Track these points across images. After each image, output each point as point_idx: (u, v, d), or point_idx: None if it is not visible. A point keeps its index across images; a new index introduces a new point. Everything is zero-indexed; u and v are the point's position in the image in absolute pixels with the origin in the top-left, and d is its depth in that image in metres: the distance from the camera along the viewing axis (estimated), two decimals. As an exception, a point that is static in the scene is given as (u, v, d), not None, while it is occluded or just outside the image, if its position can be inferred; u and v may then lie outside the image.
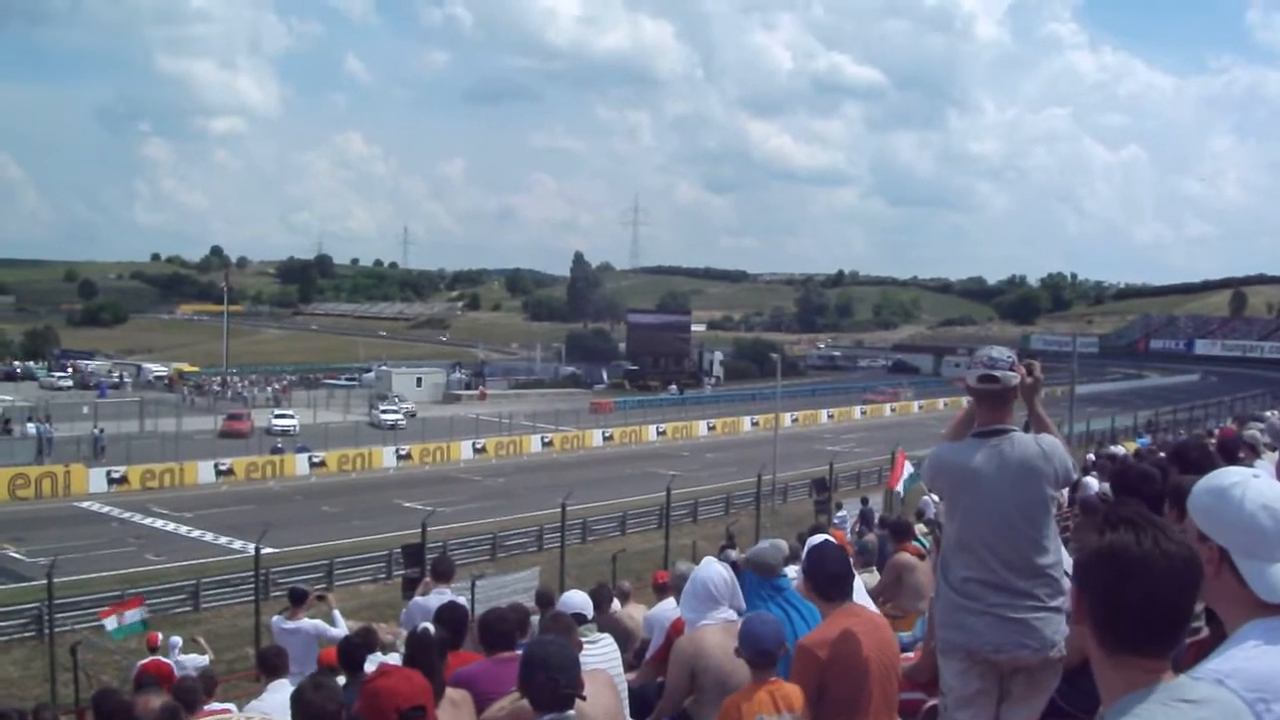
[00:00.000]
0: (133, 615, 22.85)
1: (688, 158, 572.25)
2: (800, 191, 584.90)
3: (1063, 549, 5.27)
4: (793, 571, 7.91)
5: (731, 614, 6.39)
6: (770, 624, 6.02)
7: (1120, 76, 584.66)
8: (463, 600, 13.19)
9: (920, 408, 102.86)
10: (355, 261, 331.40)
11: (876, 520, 22.64)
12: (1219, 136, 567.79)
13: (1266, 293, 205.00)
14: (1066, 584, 5.12)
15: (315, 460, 61.78)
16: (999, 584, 5.01)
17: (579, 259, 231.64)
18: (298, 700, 5.19)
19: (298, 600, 13.80)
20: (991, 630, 4.98)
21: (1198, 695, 2.40)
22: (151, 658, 16.88)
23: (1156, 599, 2.41)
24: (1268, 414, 13.70)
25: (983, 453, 5.09)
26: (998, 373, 5.12)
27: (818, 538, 7.56)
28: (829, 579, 6.01)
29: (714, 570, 6.54)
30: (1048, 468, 5.07)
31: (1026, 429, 5.36)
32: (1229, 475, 2.98)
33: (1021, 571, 5.01)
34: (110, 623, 22.78)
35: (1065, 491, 9.34)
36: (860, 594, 7.13)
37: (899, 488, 33.11)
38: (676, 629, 7.77)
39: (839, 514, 32.31)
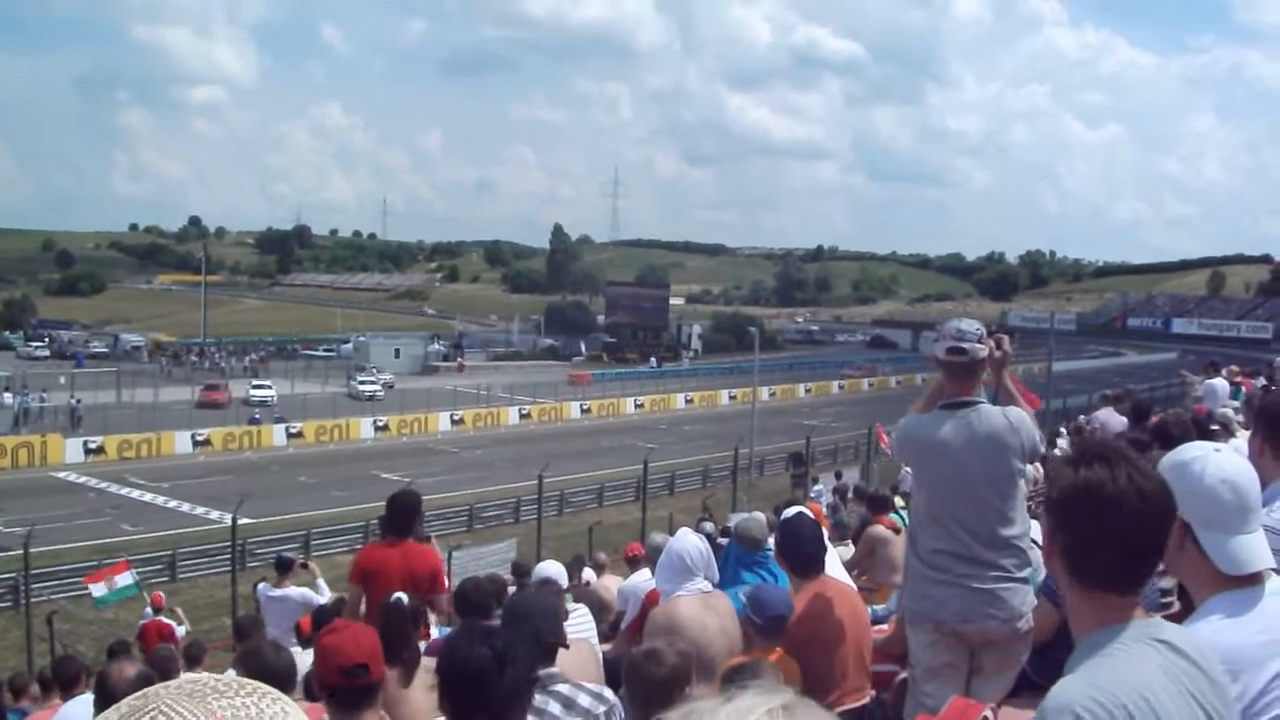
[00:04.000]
0: (124, 579, 22.36)
1: (667, 130, 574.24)
2: (779, 165, 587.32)
3: (1030, 520, 5.31)
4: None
5: (706, 585, 6.41)
6: (779, 591, 6.08)
7: (1101, 55, 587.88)
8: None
9: (898, 383, 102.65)
10: (334, 232, 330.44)
11: (852, 493, 22.66)
12: (1199, 116, 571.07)
13: (1244, 273, 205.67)
14: (1035, 555, 5.18)
15: (292, 431, 61.65)
16: (967, 555, 5.06)
17: (558, 231, 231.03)
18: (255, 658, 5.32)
19: (284, 568, 13.80)
20: (959, 601, 5.02)
21: (1169, 636, 2.43)
22: (154, 618, 16.92)
23: (1130, 534, 2.44)
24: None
25: (951, 424, 5.14)
26: (966, 345, 5.16)
27: (792, 510, 7.61)
28: (803, 555, 6.07)
29: (689, 541, 6.56)
30: (1015, 440, 5.11)
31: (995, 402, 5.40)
32: (1191, 449, 3.04)
33: (989, 543, 5.05)
34: (98, 589, 22.32)
35: (1039, 466, 9.38)
36: (834, 566, 7.19)
37: (884, 452, 33.46)
38: (651, 600, 7.81)
39: (815, 488, 32.34)
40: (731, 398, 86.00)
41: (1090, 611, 2.49)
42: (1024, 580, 5.10)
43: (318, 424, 63.28)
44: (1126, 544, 2.44)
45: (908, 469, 28.11)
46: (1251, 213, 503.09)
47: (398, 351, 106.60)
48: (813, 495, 28.56)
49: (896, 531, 10.83)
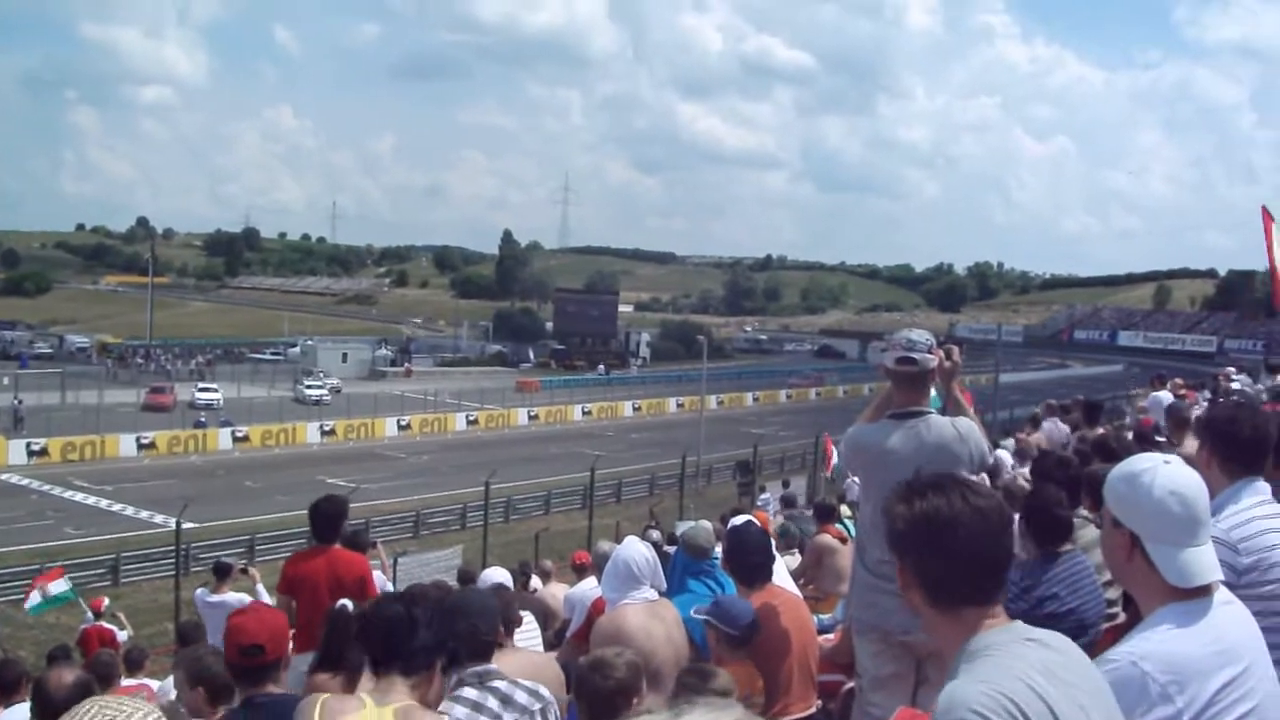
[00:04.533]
0: (58, 586, 22.08)
1: (617, 138, 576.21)
2: (729, 174, 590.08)
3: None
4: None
5: (653, 593, 6.38)
6: (741, 601, 6.08)
7: (1051, 69, 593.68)
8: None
9: (845, 392, 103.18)
10: (283, 235, 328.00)
11: (800, 503, 22.68)
12: (1146, 131, 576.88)
13: (1189, 287, 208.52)
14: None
15: (238, 435, 61.22)
16: None
17: (508, 237, 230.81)
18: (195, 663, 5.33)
19: (222, 574, 13.64)
20: (905, 611, 4.99)
21: (1039, 635, 2.52)
22: (94, 623, 16.77)
23: (977, 552, 2.54)
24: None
25: (899, 434, 5.16)
26: (916, 355, 5.18)
27: (739, 519, 7.61)
28: (750, 565, 6.07)
29: (635, 549, 6.53)
30: (963, 450, 5.13)
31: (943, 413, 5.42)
32: (1141, 461, 3.04)
33: (936, 553, 5.03)
34: (34, 597, 22.06)
35: (985, 477, 9.43)
36: (781, 575, 7.19)
37: (832, 472, 33.57)
38: (597, 608, 7.78)
39: (762, 496, 32.42)
40: (679, 406, 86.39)
41: (958, 630, 2.57)
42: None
43: (264, 428, 62.86)
44: (975, 561, 2.55)
45: (854, 479, 28.23)
46: (1196, 227, 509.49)
47: (345, 356, 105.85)
48: (759, 504, 28.64)
49: (843, 541, 10.84)
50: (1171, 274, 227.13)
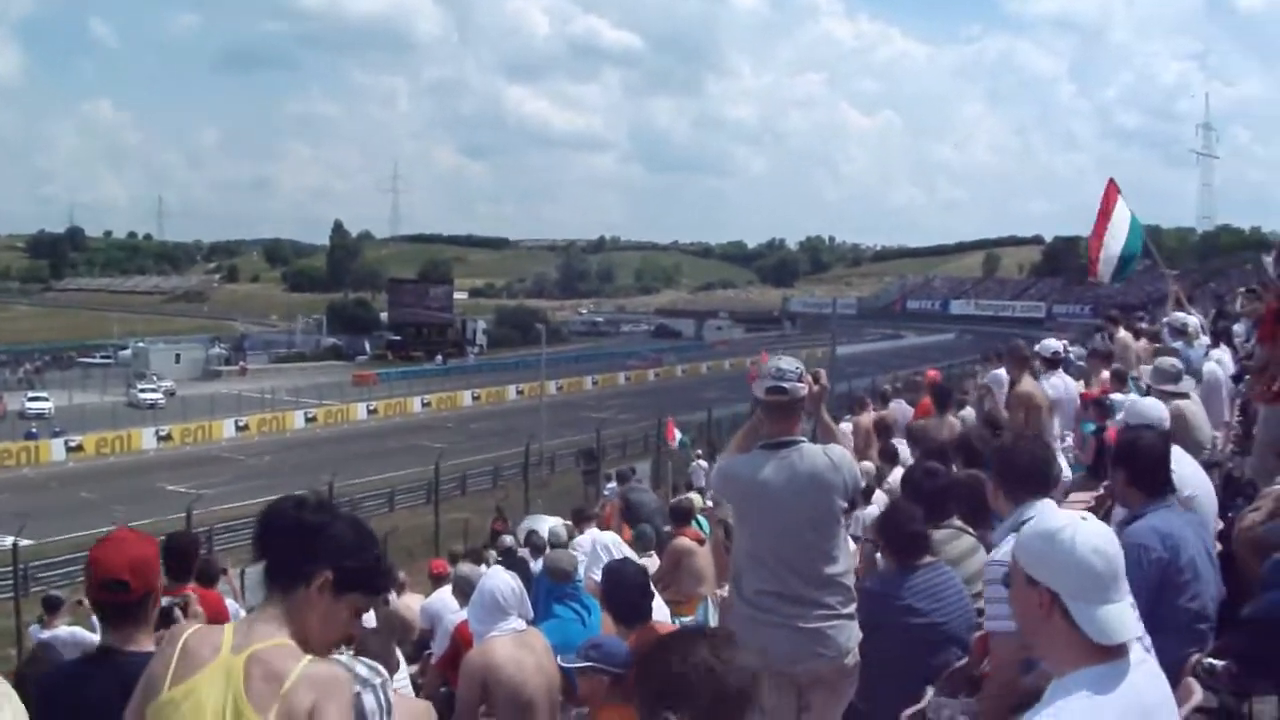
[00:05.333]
0: None
1: (445, 123, 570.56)
2: (559, 156, 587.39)
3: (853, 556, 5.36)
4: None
5: (521, 624, 6.32)
6: (612, 638, 6.00)
7: (876, 44, 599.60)
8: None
9: (683, 372, 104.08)
10: (108, 234, 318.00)
11: (633, 479, 22.33)
12: (970, 103, 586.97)
13: (1017, 254, 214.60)
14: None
15: (72, 444, 59.85)
16: (792, 595, 5.07)
17: (338, 228, 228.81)
18: None
19: (52, 607, 13.13)
20: (787, 641, 5.02)
21: None
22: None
23: None
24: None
25: (772, 465, 5.13)
26: (786, 384, 5.15)
27: (615, 558, 7.56)
28: (628, 604, 6.02)
29: (501, 580, 6.45)
30: (837, 479, 5.13)
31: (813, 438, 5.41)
32: (1056, 519, 3.05)
33: (813, 581, 5.07)
34: None
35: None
36: (660, 611, 7.17)
37: (675, 445, 33.78)
38: (462, 635, 7.69)
39: (609, 485, 32.39)
40: (519, 393, 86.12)
41: None
42: (850, 616, 5.15)
43: (98, 436, 61.51)
44: None
45: (700, 462, 28.33)
46: (1021, 195, 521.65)
47: (178, 356, 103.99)
48: (606, 494, 28.63)
49: (700, 542, 10.86)
50: (999, 242, 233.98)
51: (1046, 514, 3.16)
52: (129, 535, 4.34)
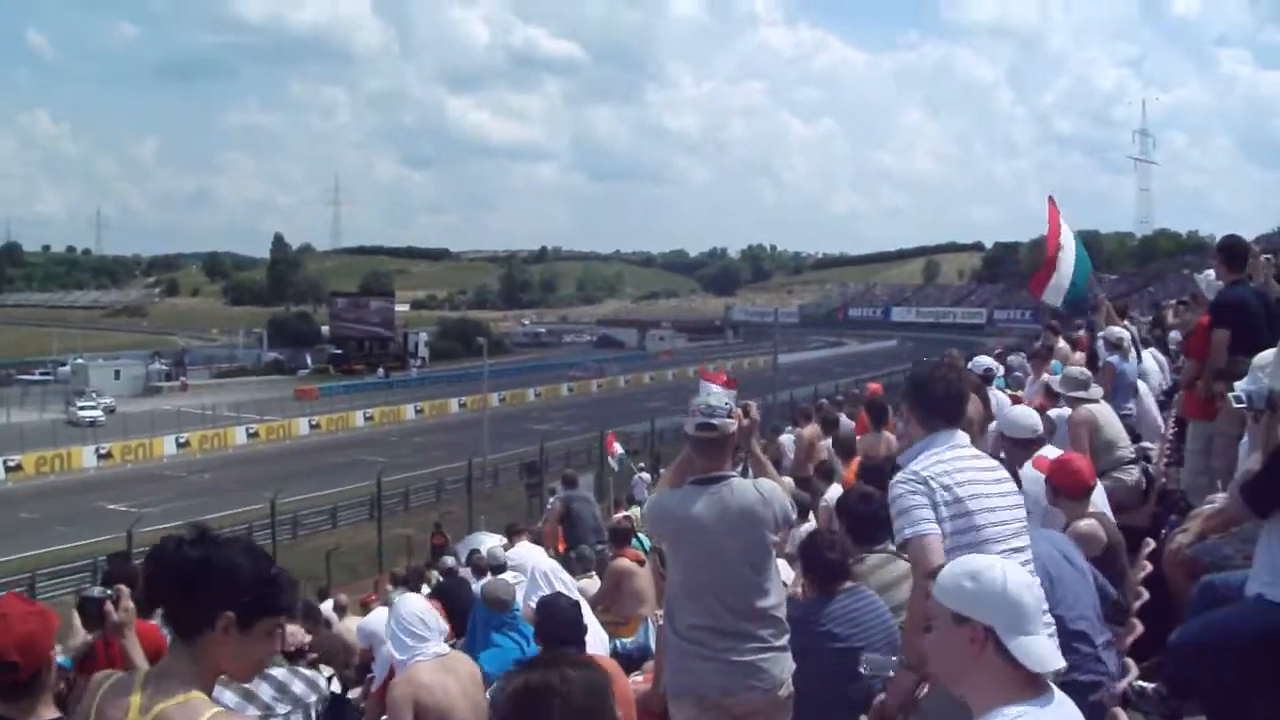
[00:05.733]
0: None
1: (386, 134, 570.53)
2: (500, 167, 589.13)
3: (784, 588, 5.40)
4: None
5: (442, 646, 6.37)
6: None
7: (815, 52, 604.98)
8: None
9: (626, 382, 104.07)
10: (46, 249, 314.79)
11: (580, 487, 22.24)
12: (910, 110, 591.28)
13: (957, 260, 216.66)
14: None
15: (10, 464, 59.17)
16: (725, 630, 5.09)
17: (279, 240, 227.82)
18: None
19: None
20: (720, 675, 5.05)
21: None
22: None
23: None
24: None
25: (703, 500, 5.14)
26: (715, 420, 5.18)
27: (553, 587, 7.55)
28: (560, 640, 6.04)
29: (413, 607, 6.47)
30: (768, 513, 5.15)
31: (745, 472, 5.45)
32: (978, 560, 3.13)
33: (746, 615, 5.10)
34: None
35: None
36: (595, 640, 7.18)
37: (613, 462, 33.73)
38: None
39: (551, 499, 32.34)
40: (462, 405, 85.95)
41: None
42: (783, 648, 5.17)
43: (37, 455, 60.77)
44: None
45: (642, 475, 28.29)
46: (962, 202, 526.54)
47: (118, 373, 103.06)
48: (551, 503, 28.59)
49: (640, 563, 10.87)
50: (940, 249, 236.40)
51: (965, 558, 3.21)
52: (14, 609, 4.10)
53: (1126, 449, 8.96)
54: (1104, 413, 9.07)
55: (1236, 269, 8.12)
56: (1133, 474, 8.75)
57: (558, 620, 6.11)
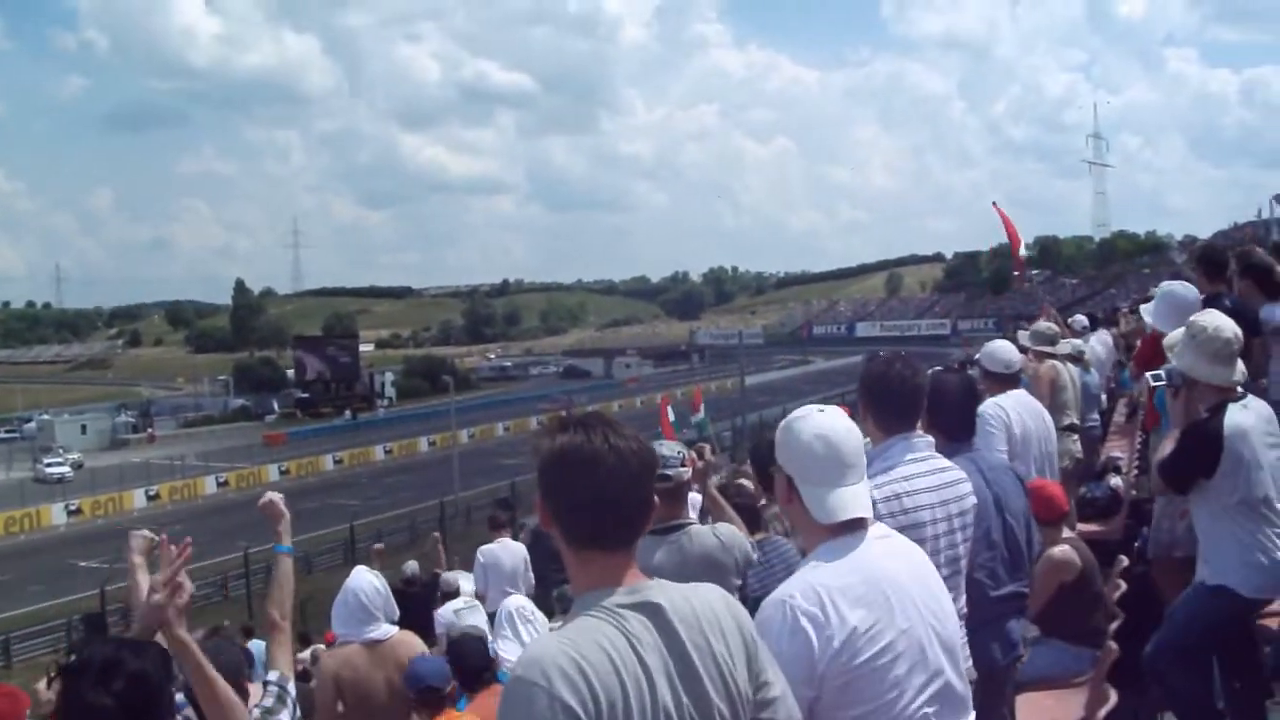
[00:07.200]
0: None
1: (341, 175, 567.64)
2: (458, 202, 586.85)
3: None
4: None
5: (387, 628, 6.61)
6: (434, 661, 6.30)
7: (766, 72, 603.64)
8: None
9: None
10: (6, 305, 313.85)
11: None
12: (863, 125, 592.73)
13: (919, 273, 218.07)
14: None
15: (-21, 524, 58.43)
16: None
17: (240, 286, 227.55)
18: None
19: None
20: None
21: (659, 598, 2.54)
22: None
23: (610, 492, 2.55)
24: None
25: (662, 550, 5.20)
26: (670, 471, 5.24)
27: (520, 628, 7.65)
28: (470, 671, 6.29)
29: (364, 581, 6.65)
30: (728, 559, 5.25)
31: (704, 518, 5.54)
32: (799, 411, 3.32)
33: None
34: None
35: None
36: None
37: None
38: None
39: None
40: (431, 444, 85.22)
41: (585, 572, 2.60)
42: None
43: (6, 514, 60.32)
44: (607, 502, 2.56)
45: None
46: (920, 214, 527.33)
47: (84, 427, 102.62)
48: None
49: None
50: (901, 261, 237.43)
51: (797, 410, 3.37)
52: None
53: (1074, 417, 9.22)
54: (1064, 371, 9.30)
55: (1216, 278, 7.82)
56: (1076, 445, 9.09)
57: (466, 655, 6.45)
